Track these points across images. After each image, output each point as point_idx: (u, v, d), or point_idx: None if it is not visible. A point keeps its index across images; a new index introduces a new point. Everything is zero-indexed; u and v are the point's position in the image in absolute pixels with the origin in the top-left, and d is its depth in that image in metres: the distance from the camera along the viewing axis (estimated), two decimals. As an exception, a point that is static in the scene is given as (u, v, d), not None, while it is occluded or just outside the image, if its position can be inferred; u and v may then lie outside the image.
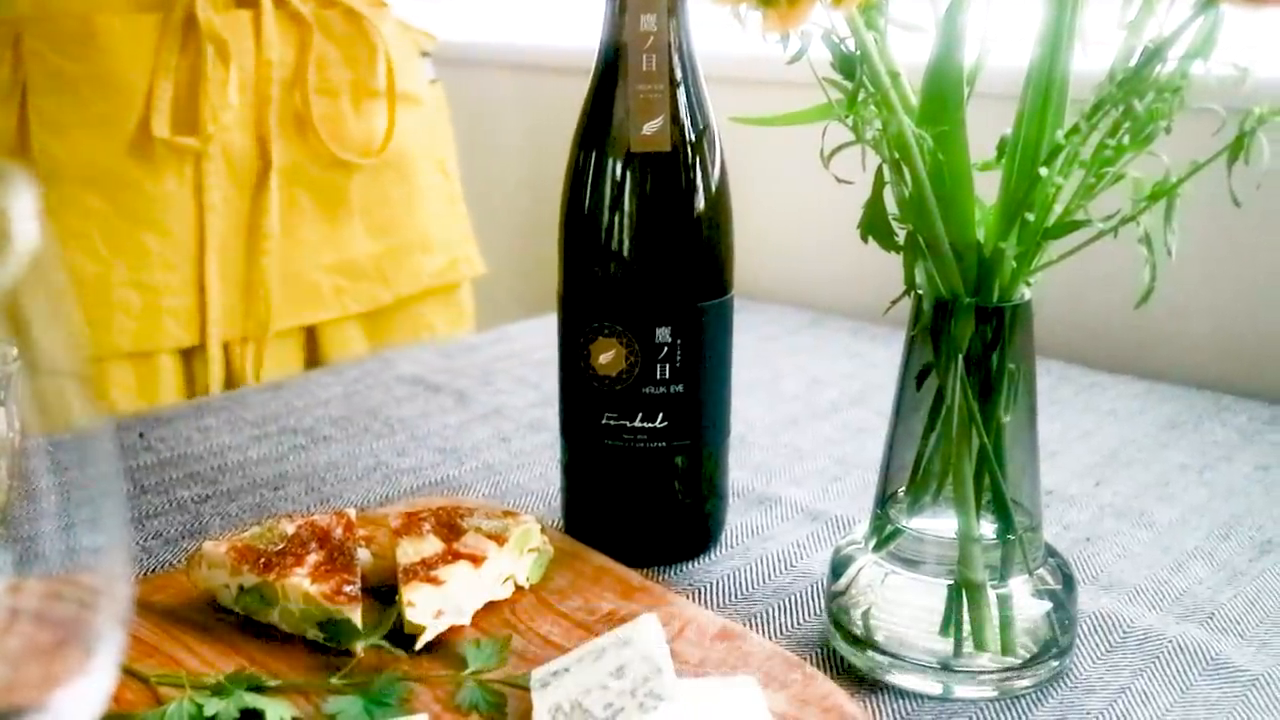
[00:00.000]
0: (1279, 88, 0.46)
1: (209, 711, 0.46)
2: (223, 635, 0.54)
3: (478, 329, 1.14)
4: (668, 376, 0.62)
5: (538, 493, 0.75)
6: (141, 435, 0.82)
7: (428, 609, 0.53)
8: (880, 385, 0.95)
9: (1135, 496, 0.75)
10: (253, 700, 0.47)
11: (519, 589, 0.58)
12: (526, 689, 0.48)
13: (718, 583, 0.63)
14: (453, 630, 0.54)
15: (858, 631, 0.55)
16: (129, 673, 0.49)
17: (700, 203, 0.61)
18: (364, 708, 0.47)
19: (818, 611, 0.61)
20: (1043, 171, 0.48)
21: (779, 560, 0.66)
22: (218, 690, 0.47)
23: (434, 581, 0.53)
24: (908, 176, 0.51)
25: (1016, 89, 0.50)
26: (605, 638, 0.48)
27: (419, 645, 0.53)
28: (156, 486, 0.74)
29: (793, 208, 1.22)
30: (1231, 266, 0.97)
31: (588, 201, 0.62)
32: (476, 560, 0.55)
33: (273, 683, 0.49)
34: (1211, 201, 0.47)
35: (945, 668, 0.53)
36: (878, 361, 1.02)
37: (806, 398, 0.93)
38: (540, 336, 1.08)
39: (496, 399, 0.92)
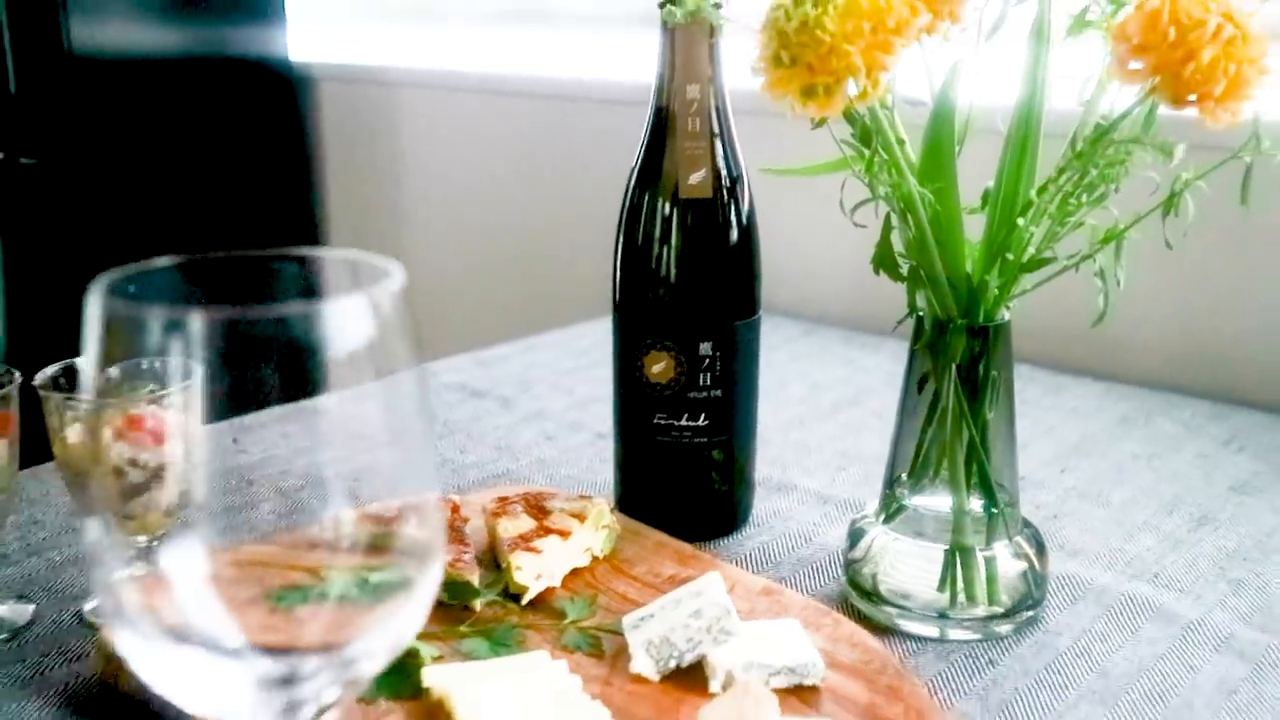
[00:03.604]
0: (1201, 154, 0.58)
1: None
2: (359, 597, 0.66)
3: (496, 341, 1.25)
4: (709, 383, 0.74)
5: (587, 482, 0.87)
6: (235, 440, 0.93)
7: (530, 572, 0.65)
8: (872, 388, 1.08)
9: (1094, 481, 0.88)
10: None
11: (595, 559, 0.70)
12: (618, 633, 0.60)
13: (750, 555, 0.76)
14: (547, 591, 0.66)
15: (870, 589, 0.68)
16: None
17: (735, 238, 0.74)
18: (490, 647, 0.59)
19: (835, 576, 0.73)
20: (1019, 221, 0.61)
21: (799, 536, 0.79)
22: (374, 636, 0.59)
23: (534, 550, 0.66)
24: (911, 223, 0.63)
25: (1002, 127, 0.61)
26: (680, 590, 0.61)
27: (524, 601, 0.65)
28: (261, 479, 0.86)
29: (798, 232, 1.34)
30: (1179, 285, 1.10)
31: (641, 236, 0.74)
32: (564, 534, 0.67)
33: (413, 631, 0.61)
34: (1160, 237, 0.60)
35: (943, 616, 0.66)
36: (869, 367, 1.14)
37: (810, 400, 1.06)
38: (564, 348, 1.20)
39: (537, 403, 1.04)
